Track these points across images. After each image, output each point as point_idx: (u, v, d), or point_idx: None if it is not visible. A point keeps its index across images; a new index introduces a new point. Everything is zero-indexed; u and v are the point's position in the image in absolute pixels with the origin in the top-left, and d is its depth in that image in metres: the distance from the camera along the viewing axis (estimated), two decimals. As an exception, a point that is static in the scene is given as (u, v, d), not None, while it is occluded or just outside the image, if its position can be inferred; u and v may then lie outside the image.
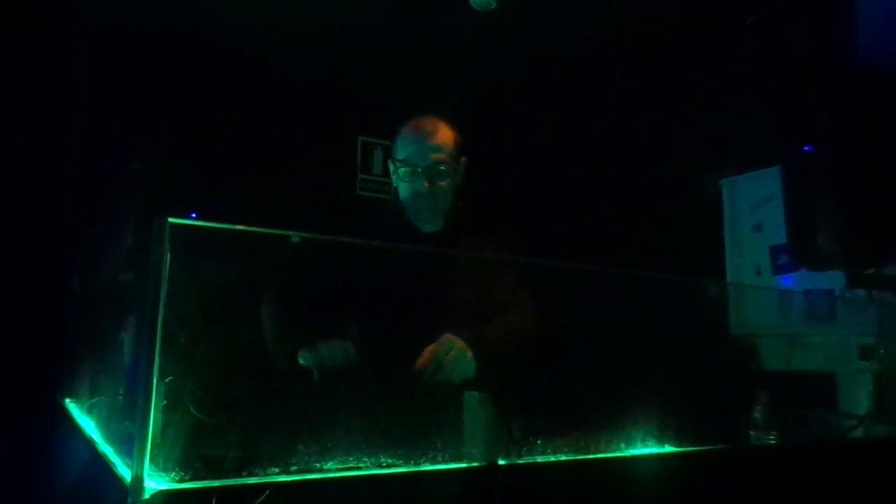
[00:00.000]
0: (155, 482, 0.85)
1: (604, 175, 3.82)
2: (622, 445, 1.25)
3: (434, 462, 1.04)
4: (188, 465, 0.88)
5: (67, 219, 2.76)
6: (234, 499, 0.86)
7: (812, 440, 1.80)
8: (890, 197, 2.04)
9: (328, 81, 4.14)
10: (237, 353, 1.18)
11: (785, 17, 2.81)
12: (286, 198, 3.95)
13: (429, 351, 1.58)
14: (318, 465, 0.95)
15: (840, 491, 1.49)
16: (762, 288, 2.89)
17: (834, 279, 2.60)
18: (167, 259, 0.89)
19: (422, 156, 1.87)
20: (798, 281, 2.90)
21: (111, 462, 1.05)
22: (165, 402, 1.38)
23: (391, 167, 1.95)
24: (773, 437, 1.69)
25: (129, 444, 1.07)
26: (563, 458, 1.12)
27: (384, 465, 0.99)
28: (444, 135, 1.90)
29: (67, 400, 2.38)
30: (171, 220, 0.89)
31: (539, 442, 1.15)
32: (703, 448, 1.32)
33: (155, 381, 0.87)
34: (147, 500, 0.82)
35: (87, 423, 1.79)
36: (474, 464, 1.07)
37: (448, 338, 1.60)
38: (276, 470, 0.92)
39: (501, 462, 1.08)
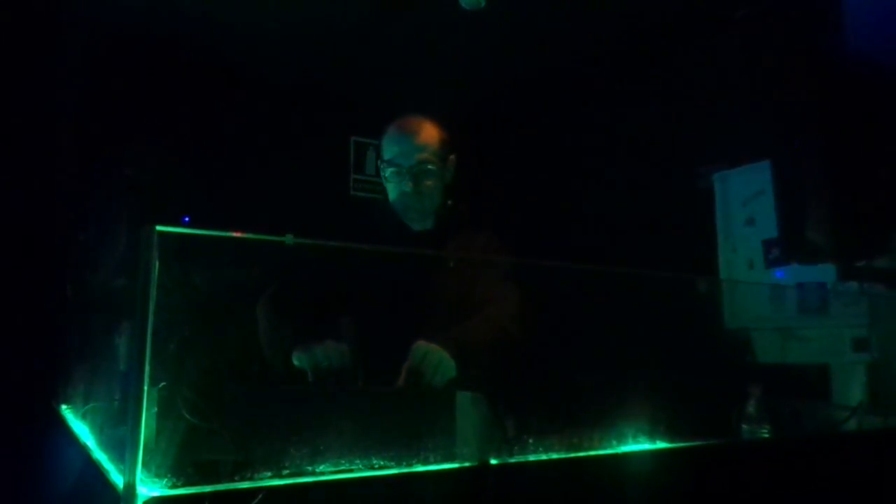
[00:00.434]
0: (147, 489, 0.85)
1: (596, 171, 3.83)
2: (614, 442, 1.25)
3: (426, 463, 1.04)
4: (181, 470, 0.89)
5: (61, 224, 2.76)
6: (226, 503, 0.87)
7: (805, 433, 1.81)
8: (878, 190, 2.05)
9: (320, 82, 4.14)
10: (228, 358, 1.18)
11: (774, 13, 2.83)
12: (280, 199, 3.96)
13: (405, 368, 1.58)
14: (310, 468, 0.96)
15: (834, 483, 1.50)
16: (755, 283, 2.90)
17: (826, 272, 2.61)
18: (156, 267, 0.89)
19: (407, 156, 1.87)
20: (791, 274, 2.91)
21: (104, 469, 1.06)
22: (157, 408, 1.39)
23: (380, 167, 1.96)
24: (766, 430, 1.70)
25: (123, 451, 1.08)
26: (556, 456, 1.13)
27: (376, 466, 0.99)
28: (429, 134, 1.90)
29: (63, 406, 2.39)
30: (158, 228, 0.89)
31: (531, 441, 1.15)
32: (696, 444, 1.33)
33: (146, 387, 0.88)
34: (140, 506, 0.82)
35: (82, 430, 1.79)
36: (466, 464, 1.08)
37: (418, 345, 1.59)
38: (269, 474, 0.92)
39: (494, 462, 1.09)
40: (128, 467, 0.85)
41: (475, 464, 1.08)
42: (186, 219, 2.97)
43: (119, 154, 2.87)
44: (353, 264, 1.74)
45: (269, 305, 1.77)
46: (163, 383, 1.38)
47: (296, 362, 1.60)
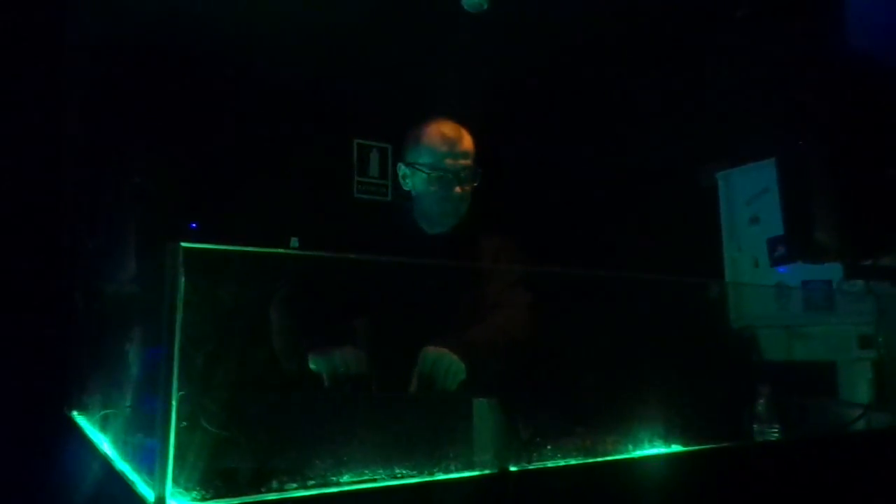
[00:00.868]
0: (177, 502, 0.87)
1: (601, 171, 3.85)
2: (630, 447, 1.27)
3: (446, 471, 1.06)
4: (209, 483, 0.90)
5: (69, 231, 2.77)
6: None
7: (818, 434, 1.82)
8: (885, 189, 2.06)
9: (322, 85, 4.14)
10: (251, 367, 1.19)
11: (778, 11, 2.84)
12: (284, 203, 3.98)
13: (416, 373, 1.59)
14: (334, 477, 0.97)
15: (847, 482, 1.51)
16: (761, 286, 2.92)
17: (832, 269, 2.63)
18: (181, 283, 0.90)
19: (455, 161, 1.87)
20: (796, 272, 2.93)
21: (130, 480, 1.07)
22: (185, 422, 1.40)
23: (406, 171, 1.95)
24: (775, 429, 1.71)
25: (147, 461, 1.09)
26: (574, 462, 1.14)
27: (399, 475, 1.01)
28: (469, 140, 1.92)
29: (75, 412, 2.40)
30: (183, 244, 0.90)
31: (549, 447, 1.17)
32: (712, 446, 1.34)
33: (175, 403, 0.89)
34: (171, 520, 0.84)
35: (99, 437, 1.80)
36: (486, 471, 1.09)
37: (428, 350, 1.61)
38: (294, 485, 0.94)
39: (513, 468, 1.10)
40: (157, 480, 0.87)
41: (495, 471, 1.09)
42: (194, 225, 2.99)
43: (127, 162, 2.88)
44: (366, 268, 1.75)
45: (282, 306, 1.78)
46: (181, 392, 1.39)
47: (312, 366, 1.61)
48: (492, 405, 1.30)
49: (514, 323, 1.80)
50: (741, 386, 1.90)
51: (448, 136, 1.89)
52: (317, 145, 4.27)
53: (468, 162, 1.89)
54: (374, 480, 0.99)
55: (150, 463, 1.10)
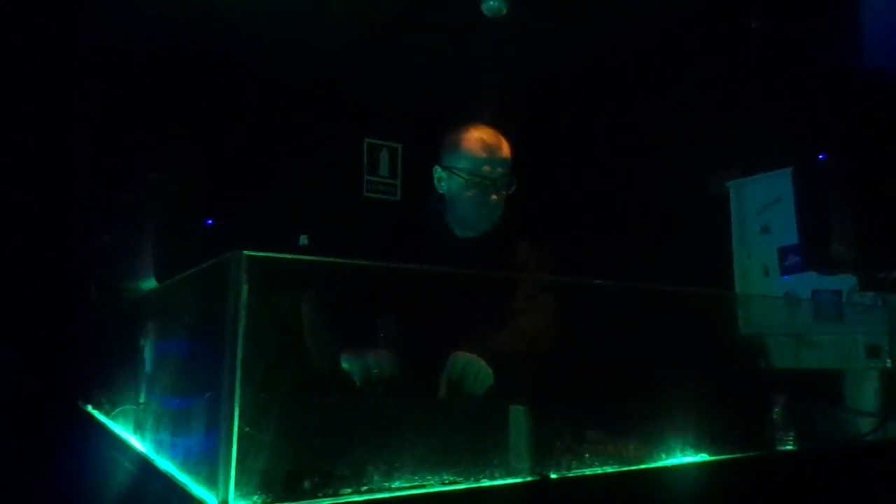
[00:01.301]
0: (239, 505, 0.89)
1: (615, 177, 3.87)
2: (663, 455, 1.29)
3: (491, 478, 1.08)
4: (269, 486, 0.92)
5: (86, 227, 2.79)
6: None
7: (836, 443, 1.85)
8: (901, 203, 2.09)
9: (334, 85, 4.16)
10: (295, 370, 1.21)
11: (793, 23, 2.86)
12: (295, 201, 3.99)
13: (444, 378, 1.62)
14: (385, 483, 0.99)
15: (868, 492, 1.55)
16: (772, 297, 2.95)
17: (841, 279, 2.66)
18: (245, 291, 0.92)
19: (493, 168, 1.89)
20: (806, 281, 2.96)
21: (179, 481, 1.08)
22: (207, 418, 1.41)
23: (443, 174, 1.96)
24: (791, 437, 1.74)
25: (194, 461, 1.11)
26: (611, 469, 1.17)
27: (446, 482, 1.03)
28: (507, 148, 1.94)
29: (89, 406, 2.42)
30: (245, 252, 0.92)
31: (587, 455, 1.19)
32: (743, 455, 1.37)
33: (237, 408, 0.90)
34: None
35: (122, 432, 1.82)
36: (528, 478, 1.11)
37: (455, 356, 1.63)
38: (349, 490, 0.96)
39: (553, 476, 1.13)
40: (221, 486, 0.88)
41: (536, 478, 1.11)
42: (210, 222, 3.00)
43: (145, 158, 2.89)
44: (396, 272, 1.77)
45: (314, 303, 1.79)
46: (208, 394, 1.41)
47: (345, 365, 1.63)
48: (526, 412, 1.32)
49: (539, 329, 1.83)
50: (761, 394, 1.93)
51: (488, 142, 1.91)
52: (328, 144, 4.30)
53: (506, 170, 1.91)
54: (424, 486, 1.02)
55: (194, 462, 1.13)
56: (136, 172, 2.82)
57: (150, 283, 2.70)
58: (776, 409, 1.82)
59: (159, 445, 1.39)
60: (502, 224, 1.99)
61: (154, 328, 2.03)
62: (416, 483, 1.01)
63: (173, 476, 1.13)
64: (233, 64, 3.71)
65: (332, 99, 4.24)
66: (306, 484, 0.95)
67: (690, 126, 3.49)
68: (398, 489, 0.99)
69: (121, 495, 1.49)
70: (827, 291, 2.85)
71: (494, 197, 1.89)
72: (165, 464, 1.24)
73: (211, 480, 0.92)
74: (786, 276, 3.12)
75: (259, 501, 0.90)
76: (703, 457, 1.36)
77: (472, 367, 1.62)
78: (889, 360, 2.42)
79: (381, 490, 0.98)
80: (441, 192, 1.98)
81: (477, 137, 1.91)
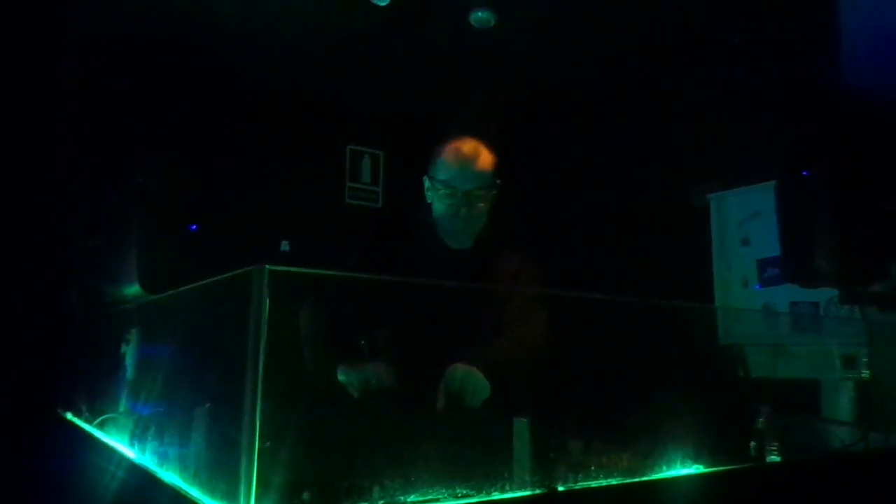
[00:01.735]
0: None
1: (598, 188, 3.92)
2: (664, 466, 1.32)
3: (503, 490, 1.09)
4: (286, 499, 0.92)
5: (68, 231, 2.75)
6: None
7: (820, 454, 1.90)
8: (880, 219, 2.16)
9: (317, 91, 4.16)
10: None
11: (774, 41, 2.93)
12: (278, 206, 3.98)
13: (442, 390, 1.63)
14: (402, 497, 1.00)
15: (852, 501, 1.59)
16: (753, 311, 3.02)
17: (818, 292, 2.73)
18: (266, 304, 0.92)
19: (464, 180, 1.89)
20: (784, 293, 3.03)
21: (187, 493, 1.08)
22: (205, 426, 1.40)
23: (428, 184, 1.97)
24: (775, 447, 1.78)
25: (212, 475, 1.10)
26: (616, 482, 1.19)
27: (459, 495, 1.04)
28: (486, 159, 1.93)
29: (69, 414, 2.38)
30: (269, 266, 0.93)
31: (593, 468, 1.21)
32: (739, 466, 1.41)
33: (258, 422, 0.91)
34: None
35: (108, 440, 1.79)
36: (537, 491, 1.13)
37: (454, 369, 1.64)
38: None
39: (561, 488, 1.14)
40: (242, 499, 0.88)
41: (545, 491, 1.13)
42: (194, 227, 2.97)
43: (129, 162, 2.85)
44: (389, 284, 1.78)
45: (310, 316, 1.78)
46: (207, 404, 1.40)
47: (342, 377, 1.63)
48: (529, 424, 1.34)
49: (533, 338, 1.84)
50: (743, 404, 1.97)
51: (463, 155, 1.91)
52: (311, 150, 4.29)
53: (481, 183, 1.90)
54: (437, 500, 1.03)
55: (206, 475, 1.12)
56: (121, 177, 2.78)
57: (133, 289, 2.66)
58: (760, 420, 1.86)
59: (161, 456, 1.38)
60: (492, 235, 2.00)
61: (154, 337, 2.01)
62: (429, 497, 1.02)
63: (180, 488, 1.12)
64: (218, 70, 3.69)
65: (315, 106, 4.23)
66: (324, 497, 0.96)
67: (674, 139, 3.56)
68: (411, 503, 1.00)
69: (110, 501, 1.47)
70: (805, 303, 2.92)
71: (465, 210, 1.88)
72: (169, 475, 1.23)
73: (231, 495, 0.92)
74: (757, 287, 3.19)
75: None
76: (698, 468, 1.39)
77: (470, 379, 1.63)
78: (865, 371, 2.49)
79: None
80: (428, 202, 1.98)
81: (454, 149, 1.91)
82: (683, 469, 1.34)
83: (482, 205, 1.91)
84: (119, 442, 1.73)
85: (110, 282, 2.70)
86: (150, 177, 2.77)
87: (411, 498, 1.01)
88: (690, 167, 3.49)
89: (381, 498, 0.99)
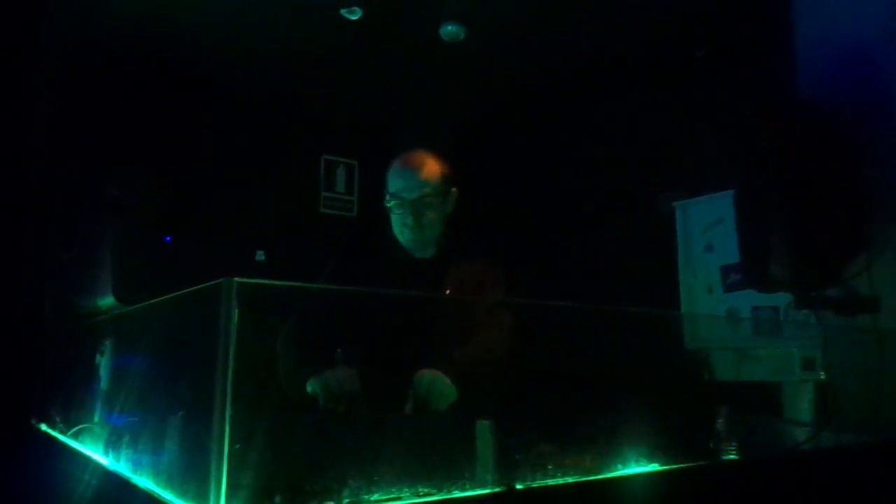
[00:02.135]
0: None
1: (566, 197, 4.00)
2: (616, 465, 1.38)
3: (463, 489, 1.15)
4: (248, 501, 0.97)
5: (42, 243, 2.76)
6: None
7: (774, 452, 1.98)
8: (832, 227, 2.25)
9: (292, 101, 4.20)
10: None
11: (736, 55, 3.03)
12: (253, 215, 4.01)
13: (410, 395, 1.69)
14: (365, 496, 1.05)
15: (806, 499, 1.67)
16: (717, 317, 3.10)
17: (779, 296, 2.83)
18: (235, 315, 0.97)
19: (409, 190, 1.97)
20: (746, 298, 3.12)
21: (161, 498, 1.12)
22: (179, 434, 1.44)
23: (385, 198, 2.04)
24: (733, 447, 1.86)
25: (184, 479, 1.15)
26: (573, 480, 1.25)
27: (422, 494, 1.10)
28: (431, 169, 2.00)
29: (43, 426, 2.39)
30: (237, 279, 0.98)
31: (549, 467, 1.27)
32: (693, 464, 1.48)
33: (227, 445, 0.95)
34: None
35: (86, 450, 1.82)
36: (496, 489, 1.19)
37: (423, 373, 1.70)
38: (331, 502, 1.02)
39: (519, 486, 1.20)
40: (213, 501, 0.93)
41: (503, 489, 1.19)
42: (168, 239, 2.99)
43: (103, 174, 2.87)
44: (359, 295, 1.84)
45: (286, 343, 1.86)
46: (181, 412, 1.44)
47: (308, 388, 1.69)
48: (491, 426, 1.40)
49: (499, 342, 1.90)
50: (704, 405, 2.05)
51: (408, 166, 1.99)
52: (286, 160, 4.33)
53: (426, 191, 1.97)
54: (400, 499, 1.08)
55: (179, 478, 1.17)
56: (95, 189, 2.80)
57: (108, 301, 2.68)
58: (720, 420, 1.93)
59: (136, 463, 1.41)
60: (456, 243, 2.06)
61: (127, 348, 2.04)
62: (392, 495, 1.07)
63: (155, 493, 1.16)
64: (192, 81, 3.72)
65: (290, 116, 4.28)
66: (277, 499, 1.00)
67: (640, 148, 3.65)
68: (375, 502, 1.05)
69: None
70: (766, 308, 3.01)
71: (412, 219, 1.95)
72: (143, 481, 1.27)
73: (200, 496, 0.97)
74: (724, 292, 3.28)
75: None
76: (654, 466, 1.46)
77: (436, 383, 1.69)
78: (822, 373, 2.58)
79: (356, 502, 1.04)
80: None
81: (400, 162, 2.00)
82: (638, 468, 1.41)
83: (431, 213, 1.98)
84: (94, 451, 1.76)
85: (85, 293, 2.71)
86: (123, 188, 2.79)
87: (375, 497, 1.06)
88: (657, 175, 3.58)
89: (346, 497, 1.04)
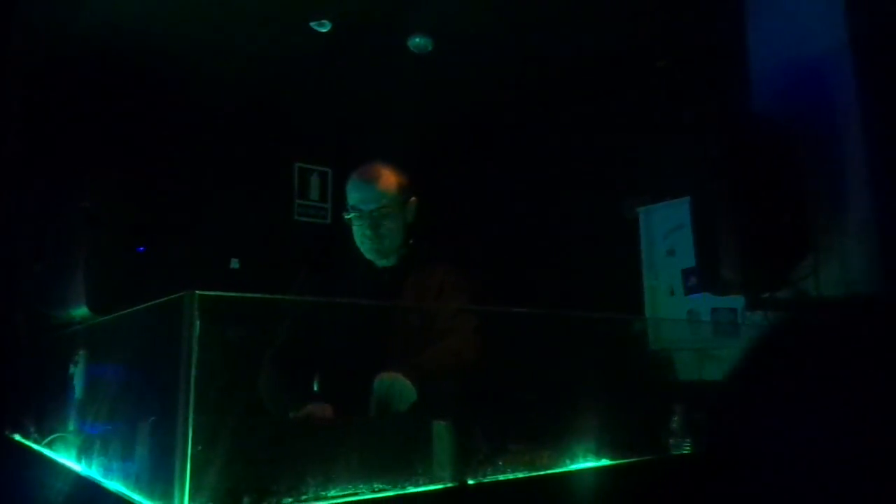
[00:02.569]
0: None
1: (534, 203, 4.09)
2: (566, 461, 1.47)
3: (416, 485, 1.23)
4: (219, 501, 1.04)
5: (16, 255, 2.79)
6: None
7: (726, 448, 2.06)
8: (782, 232, 2.36)
9: (265, 109, 4.25)
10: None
11: (693, 68, 3.15)
12: (226, 224, 4.05)
13: (372, 398, 1.76)
14: (323, 492, 1.12)
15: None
16: (677, 320, 3.20)
17: (738, 299, 2.94)
18: (197, 327, 1.04)
19: (366, 202, 2.04)
20: (706, 300, 3.24)
21: (132, 499, 1.19)
22: (150, 439, 1.50)
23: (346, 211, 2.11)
24: (688, 443, 1.94)
25: (151, 481, 1.21)
26: (522, 475, 1.33)
27: (377, 490, 1.17)
28: (388, 181, 2.06)
29: (17, 436, 2.42)
30: (199, 292, 1.04)
31: (500, 462, 1.35)
32: (642, 458, 1.56)
33: (190, 448, 1.02)
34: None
35: (59, 458, 1.87)
36: (449, 485, 1.26)
37: (381, 376, 1.77)
38: (290, 500, 1.09)
39: (471, 482, 1.28)
40: (177, 500, 1.00)
41: (456, 484, 1.27)
42: (141, 249, 3.03)
43: (75, 185, 2.91)
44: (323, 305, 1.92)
45: (270, 365, 1.96)
46: (152, 418, 1.50)
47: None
48: (448, 427, 1.47)
49: (462, 346, 1.97)
50: (659, 404, 2.13)
51: (364, 178, 2.06)
52: (259, 168, 4.37)
53: (384, 202, 2.03)
54: (357, 494, 1.15)
55: (147, 481, 1.23)
56: (67, 200, 2.84)
57: (81, 311, 2.71)
58: (674, 418, 2.02)
59: (107, 469, 1.47)
60: (416, 251, 2.13)
61: (98, 358, 2.09)
62: (349, 492, 1.15)
63: (125, 495, 1.22)
64: (164, 89, 3.75)
65: (263, 123, 4.32)
66: (251, 499, 1.07)
67: (607, 155, 3.75)
68: (333, 497, 1.12)
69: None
70: (724, 310, 3.13)
71: (370, 230, 2.02)
72: (114, 485, 1.33)
73: (166, 496, 1.03)
74: (695, 296, 3.39)
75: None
76: (604, 461, 1.54)
77: (395, 386, 1.76)
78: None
79: (318, 499, 1.11)
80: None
81: (358, 173, 2.07)
82: (587, 462, 1.50)
83: (389, 223, 2.04)
84: (67, 459, 1.81)
85: (58, 304, 2.74)
86: (96, 199, 2.83)
87: (332, 493, 1.13)
88: (622, 181, 3.68)
89: (304, 494, 1.11)
